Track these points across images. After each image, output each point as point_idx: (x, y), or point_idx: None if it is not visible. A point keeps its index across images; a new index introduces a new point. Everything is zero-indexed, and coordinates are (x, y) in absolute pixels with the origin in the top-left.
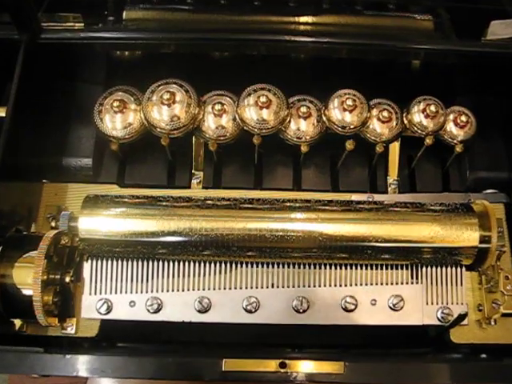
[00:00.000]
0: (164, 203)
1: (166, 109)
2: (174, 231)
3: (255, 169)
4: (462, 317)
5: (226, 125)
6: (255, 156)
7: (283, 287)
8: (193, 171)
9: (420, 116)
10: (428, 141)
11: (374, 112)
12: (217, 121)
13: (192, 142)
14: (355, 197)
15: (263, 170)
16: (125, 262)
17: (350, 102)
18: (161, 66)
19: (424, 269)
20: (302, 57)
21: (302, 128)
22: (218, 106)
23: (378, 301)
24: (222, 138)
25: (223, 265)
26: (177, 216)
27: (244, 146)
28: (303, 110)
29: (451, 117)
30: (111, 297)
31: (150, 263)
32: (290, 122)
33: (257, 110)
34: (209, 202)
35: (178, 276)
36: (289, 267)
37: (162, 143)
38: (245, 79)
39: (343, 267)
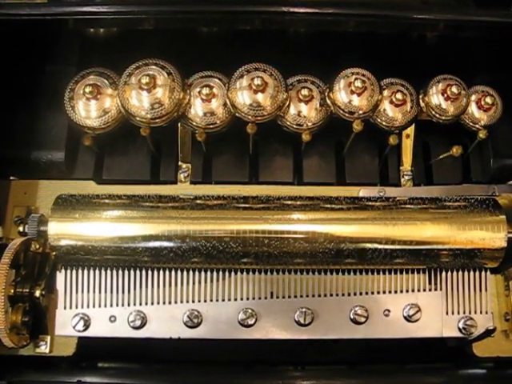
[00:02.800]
0: (148, 204)
1: (145, 94)
2: (160, 236)
3: (250, 160)
4: (488, 332)
5: (215, 111)
6: (250, 145)
7: (284, 297)
8: (179, 163)
9: (439, 98)
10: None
11: (386, 94)
12: (205, 107)
13: (178, 130)
14: (364, 191)
15: (259, 162)
16: (103, 272)
17: (358, 84)
18: (141, 44)
19: (443, 274)
20: (303, 31)
21: (303, 113)
22: (205, 90)
23: (392, 311)
24: (211, 126)
25: (215, 273)
26: (162, 218)
27: (237, 134)
28: (304, 92)
29: (474, 98)
30: (88, 311)
31: (132, 272)
32: (289, 106)
33: (250, 93)
34: (198, 201)
35: (164, 286)
36: (290, 274)
37: (142, 134)
38: (237, 58)
39: (352, 273)
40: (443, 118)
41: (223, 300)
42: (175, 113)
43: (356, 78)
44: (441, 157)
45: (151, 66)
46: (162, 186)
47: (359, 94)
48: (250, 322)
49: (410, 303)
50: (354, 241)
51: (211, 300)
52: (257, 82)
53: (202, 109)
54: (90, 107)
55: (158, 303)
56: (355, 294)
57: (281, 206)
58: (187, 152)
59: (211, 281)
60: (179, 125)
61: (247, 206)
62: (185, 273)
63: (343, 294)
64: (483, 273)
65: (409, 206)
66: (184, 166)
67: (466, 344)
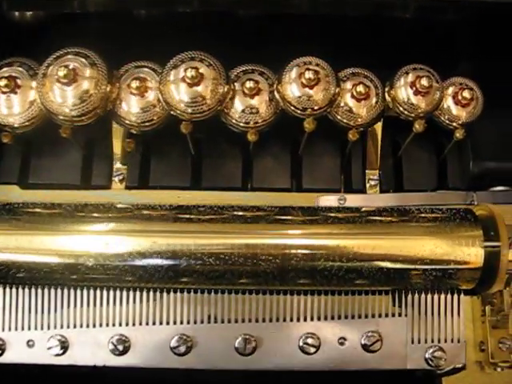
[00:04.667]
0: (72, 213)
1: (66, 89)
2: (83, 250)
3: (193, 162)
4: (457, 369)
5: (150, 106)
6: (190, 146)
7: (223, 322)
8: (115, 166)
9: (407, 92)
10: (417, 126)
11: (347, 86)
12: (139, 101)
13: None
14: (322, 199)
15: (203, 164)
16: (21, 291)
17: (310, 75)
18: (71, 30)
19: (409, 296)
20: (250, 13)
21: (250, 109)
22: (135, 83)
23: (348, 339)
24: (147, 124)
25: (146, 293)
26: (86, 231)
27: (178, 133)
28: (250, 84)
29: (450, 91)
30: (4, 335)
31: (53, 292)
32: (233, 101)
33: (185, 87)
34: (128, 211)
35: (88, 308)
36: (230, 293)
37: (62, 135)
38: (174, 46)
39: (302, 295)
40: (413, 114)
41: (154, 324)
42: (102, 109)
43: (307, 69)
44: (407, 140)
45: (71, 56)
46: (94, 192)
47: (311, 87)
48: (185, 349)
49: (369, 330)
50: (305, 258)
51: (141, 324)
52: (191, 73)
53: (136, 104)
54: (8, 102)
55: (82, 326)
56: (305, 320)
57: (223, 217)
58: (122, 153)
59: (141, 302)
60: (113, 122)
61: (184, 216)
62: (111, 292)
63: (291, 319)
64: (456, 295)
65: (371, 217)
66: (119, 168)
67: (435, 376)
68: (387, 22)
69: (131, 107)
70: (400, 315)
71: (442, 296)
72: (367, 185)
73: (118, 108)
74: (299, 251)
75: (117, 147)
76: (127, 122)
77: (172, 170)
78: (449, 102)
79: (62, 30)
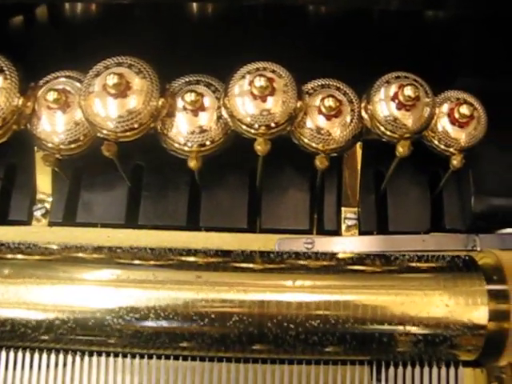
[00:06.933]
0: None
1: None
2: None
3: (129, 195)
4: None
5: (73, 124)
6: (122, 174)
7: None
8: (38, 197)
9: (389, 107)
10: (401, 149)
11: (314, 101)
12: (59, 119)
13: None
14: (286, 243)
15: (142, 197)
16: None
17: (261, 83)
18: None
19: (391, 369)
20: (198, 7)
21: (193, 128)
22: (53, 95)
23: None
24: (72, 146)
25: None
26: None
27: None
28: (191, 98)
29: (445, 109)
30: None
31: None
32: (172, 119)
33: (110, 100)
34: (45, 255)
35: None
36: (160, 359)
37: None
38: (104, 48)
39: (251, 363)
40: (396, 135)
41: None
42: (14, 126)
43: (259, 75)
44: (391, 169)
45: None
46: (10, 228)
47: (264, 99)
48: None
49: None
50: (258, 317)
51: None
52: (113, 80)
53: (56, 122)
54: None
55: None
56: None
57: (161, 262)
58: (46, 182)
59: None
60: (35, 148)
61: (112, 260)
62: (36, 355)
63: None
64: (453, 368)
65: (346, 266)
66: (42, 200)
67: None
68: (366, 19)
69: (51, 125)
70: None
71: (435, 369)
72: (343, 225)
73: (34, 127)
74: (251, 308)
75: (40, 175)
76: (49, 144)
77: (104, 204)
78: (443, 122)
79: None
